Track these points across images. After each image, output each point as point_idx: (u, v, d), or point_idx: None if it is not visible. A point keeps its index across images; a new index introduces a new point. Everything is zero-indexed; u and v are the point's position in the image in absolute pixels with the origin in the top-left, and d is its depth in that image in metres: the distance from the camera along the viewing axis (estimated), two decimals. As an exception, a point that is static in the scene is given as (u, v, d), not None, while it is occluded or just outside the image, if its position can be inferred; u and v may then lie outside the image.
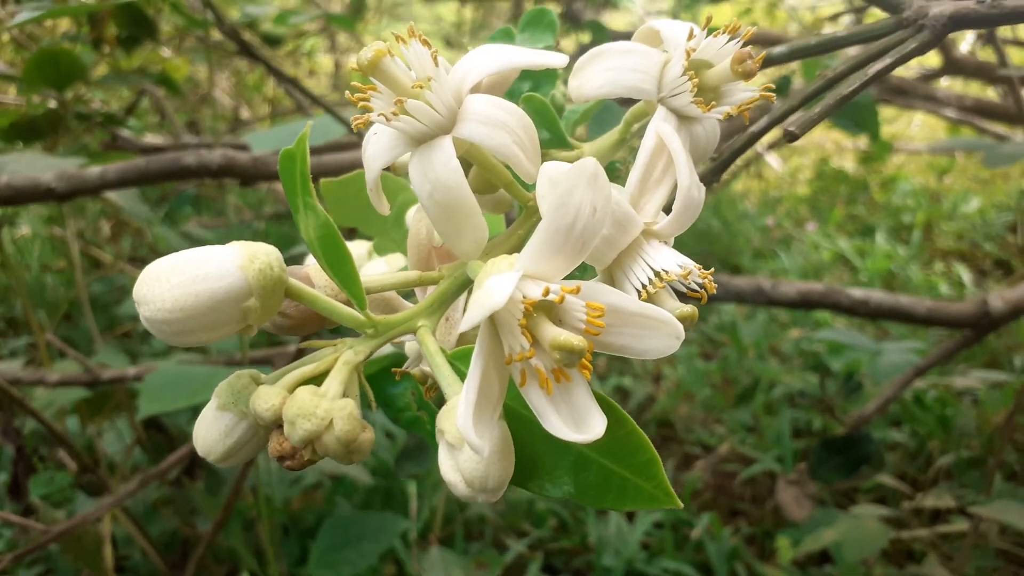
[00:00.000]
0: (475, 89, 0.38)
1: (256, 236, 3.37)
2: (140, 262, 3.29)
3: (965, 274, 3.67)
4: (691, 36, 0.38)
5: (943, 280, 3.66)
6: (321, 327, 0.38)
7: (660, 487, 0.34)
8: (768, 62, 0.52)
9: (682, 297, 0.38)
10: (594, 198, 0.31)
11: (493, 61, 0.37)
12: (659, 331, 0.32)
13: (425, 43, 0.36)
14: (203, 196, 3.32)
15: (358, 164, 1.29)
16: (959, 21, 0.48)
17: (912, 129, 6.07)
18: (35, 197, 0.99)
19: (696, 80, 0.37)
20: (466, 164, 0.40)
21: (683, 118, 0.39)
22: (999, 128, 3.55)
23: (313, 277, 0.37)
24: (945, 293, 3.50)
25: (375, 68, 0.35)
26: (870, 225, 4.48)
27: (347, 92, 0.36)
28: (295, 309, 0.36)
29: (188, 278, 0.31)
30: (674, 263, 0.36)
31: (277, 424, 0.32)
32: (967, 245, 4.15)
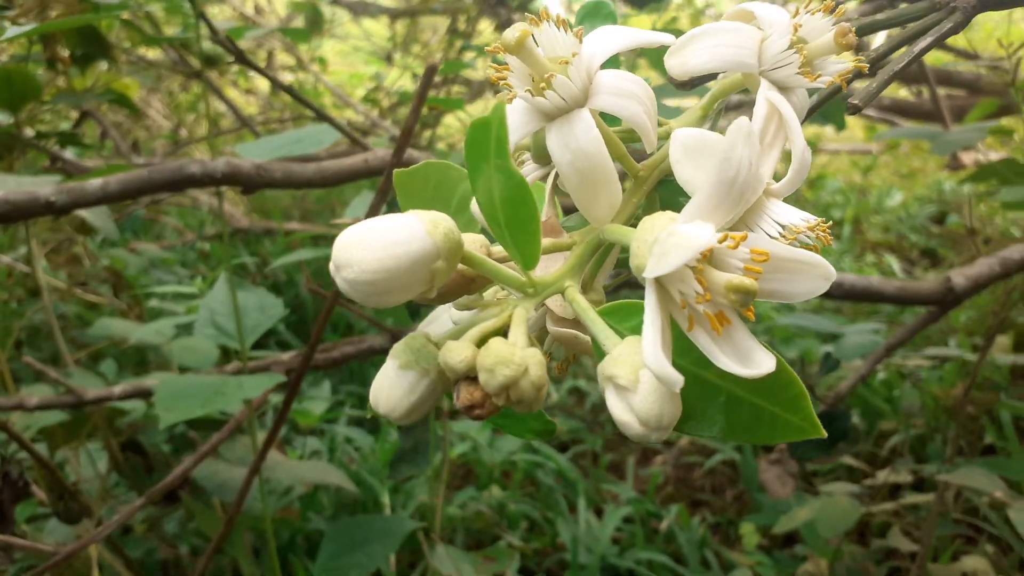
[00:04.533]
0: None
1: (199, 257, 3.32)
2: (84, 287, 3.20)
3: (895, 264, 3.83)
4: (796, 13, 0.41)
5: (875, 271, 3.81)
6: (462, 295, 0.40)
7: (808, 419, 0.37)
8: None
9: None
10: (750, 154, 0.34)
11: (618, 41, 0.40)
12: (809, 274, 0.35)
13: (561, 24, 0.38)
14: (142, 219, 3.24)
15: (358, 169, 1.28)
16: (987, 3, 0.53)
17: (828, 130, 6.30)
18: (34, 212, 0.97)
19: (804, 53, 0.41)
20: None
21: (781, 89, 0.43)
22: (915, 126, 3.74)
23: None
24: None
25: (520, 47, 0.37)
26: (802, 222, 4.63)
27: (488, 72, 0.39)
28: (447, 277, 0.38)
29: (388, 242, 0.33)
30: (799, 217, 0.40)
31: (467, 376, 0.34)
32: (894, 237, 4.34)
